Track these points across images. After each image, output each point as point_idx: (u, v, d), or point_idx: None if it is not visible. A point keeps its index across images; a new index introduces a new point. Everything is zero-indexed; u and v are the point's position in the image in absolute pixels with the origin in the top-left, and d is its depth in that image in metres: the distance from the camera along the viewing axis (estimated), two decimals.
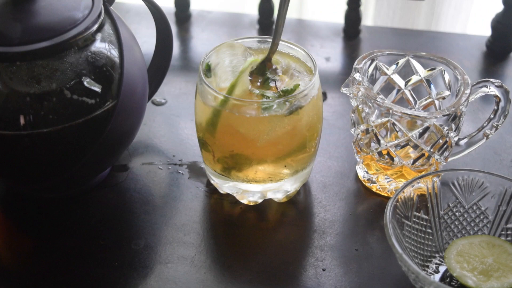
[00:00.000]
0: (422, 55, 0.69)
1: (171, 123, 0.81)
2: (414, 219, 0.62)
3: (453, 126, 0.64)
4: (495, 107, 0.68)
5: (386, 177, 0.69)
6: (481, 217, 0.64)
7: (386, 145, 0.66)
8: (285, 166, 0.64)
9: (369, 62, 0.69)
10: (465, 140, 0.71)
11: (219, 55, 0.65)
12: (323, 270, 0.62)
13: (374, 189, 0.71)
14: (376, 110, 0.65)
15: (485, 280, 0.58)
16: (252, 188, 0.66)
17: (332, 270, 0.62)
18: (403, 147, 0.65)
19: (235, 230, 0.67)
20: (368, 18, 1.29)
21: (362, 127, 0.67)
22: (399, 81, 0.70)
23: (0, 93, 0.58)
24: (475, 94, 0.67)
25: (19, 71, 0.58)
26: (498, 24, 0.91)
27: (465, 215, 0.64)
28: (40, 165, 0.62)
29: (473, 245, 0.61)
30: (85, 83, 0.60)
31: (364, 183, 0.71)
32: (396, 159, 0.66)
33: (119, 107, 0.61)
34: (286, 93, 0.62)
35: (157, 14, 0.73)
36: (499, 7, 0.91)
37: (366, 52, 0.69)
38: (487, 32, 0.95)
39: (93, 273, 0.62)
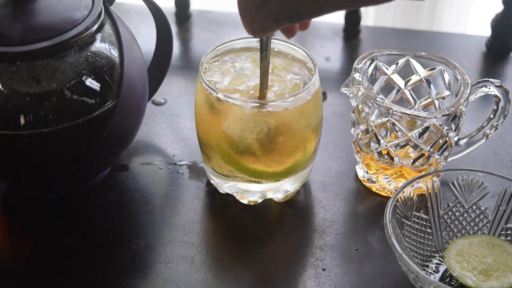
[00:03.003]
0: (422, 55, 0.69)
1: (171, 123, 0.81)
2: (414, 219, 0.62)
3: (453, 126, 0.64)
4: (495, 107, 0.68)
5: (386, 177, 0.69)
6: (481, 217, 0.64)
7: (386, 145, 0.66)
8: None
9: (369, 62, 0.69)
10: (465, 140, 0.71)
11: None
12: (323, 270, 0.62)
13: (374, 189, 0.71)
14: (376, 110, 0.65)
15: (485, 280, 0.58)
16: (252, 188, 0.67)
17: (332, 270, 0.62)
18: (403, 147, 0.65)
19: (235, 230, 0.67)
20: (368, 18, 1.29)
21: (362, 127, 0.67)
22: (399, 81, 0.70)
23: (0, 93, 0.58)
24: (475, 94, 0.67)
25: (19, 71, 0.58)
26: (498, 24, 0.91)
27: (465, 215, 0.64)
28: (40, 165, 0.62)
29: (473, 245, 0.61)
30: (85, 83, 0.60)
31: (364, 183, 0.72)
32: (396, 159, 0.66)
33: (119, 107, 0.61)
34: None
35: (157, 14, 0.73)
36: (499, 7, 0.91)
37: (366, 52, 0.69)
38: (487, 32, 0.95)
39: (93, 273, 0.62)
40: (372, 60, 0.69)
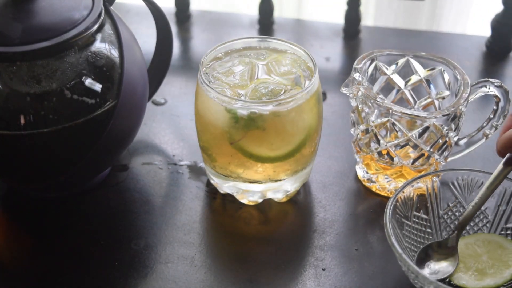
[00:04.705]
0: (422, 55, 0.69)
1: (171, 123, 0.81)
2: (414, 219, 0.62)
3: (453, 126, 0.64)
4: (495, 107, 0.68)
5: (385, 177, 0.69)
6: (481, 217, 0.64)
7: (385, 145, 0.66)
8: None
9: (369, 62, 0.69)
10: (465, 140, 0.71)
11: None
12: (323, 270, 0.62)
13: (374, 189, 0.71)
14: (376, 110, 0.65)
15: (480, 279, 0.58)
16: (252, 188, 0.67)
17: (332, 270, 0.62)
18: (402, 147, 0.65)
19: (235, 230, 0.67)
20: (368, 18, 1.29)
21: (362, 127, 0.67)
22: (399, 81, 0.70)
23: (0, 93, 0.58)
24: (475, 94, 0.67)
25: (19, 71, 0.58)
26: (498, 24, 0.92)
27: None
28: (40, 165, 0.62)
29: (468, 245, 0.61)
30: (85, 83, 0.60)
31: (364, 183, 0.72)
32: (395, 159, 0.66)
33: (119, 107, 0.61)
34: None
35: (157, 14, 0.73)
36: (499, 7, 0.91)
37: (366, 52, 0.69)
38: (487, 32, 0.95)
39: (93, 273, 0.62)
40: (372, 60, 0.69)
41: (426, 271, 0.59)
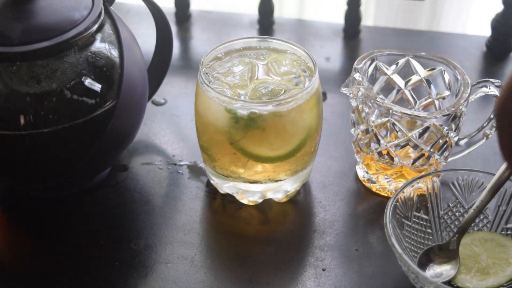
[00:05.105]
0: (422, 55, 0.69)
1: (171, 123, 0.81)
2: (414, 219, 0.62)
3: (453, 126, 0.64)
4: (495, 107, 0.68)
5: (386, 177, 0.69)
6: (481, 217, 0.64)
7: (386, 145, 0.66)
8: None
9: (369, 62, 0.69)
10: (465, 140, 0.71)
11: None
12: (323, 270, 0.62)
13: (374, 189, 0.71)
14: (376, 110, 0.65)
15: (482, 279, 0.58)
16: (252, 188, 0.67)
17: (332, 270, 0.62)
18: (403, 147, 0.65)
19: (235, 230, 0.67)
20: (369, 18, 1.29)
21: (362, 127, 0.67)
22: (399, 81, 0.70)
23: (0, 93, 0.58)
24: (475, 94, 0.67)
25: (19, 71, 0.58)
26: (498, 24, 0.91)
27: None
28: (40, 165, 0.62)
29: (466, 245, 0.61)
30: (85, 83, 0.60)
31: (364, 183, 0.72)
32: (396, 159, 0.66)
33: (119, 107, 0.61)
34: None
35: (157, 14, 0.73)
36: (499, 7, 0.91)
37: (366, 52, 0.69)
38: (487, 32, 0.95)
39: (93, 273, 0.62)
40: (372, 60, 0.69)
41: (428, 274, 0.59)
